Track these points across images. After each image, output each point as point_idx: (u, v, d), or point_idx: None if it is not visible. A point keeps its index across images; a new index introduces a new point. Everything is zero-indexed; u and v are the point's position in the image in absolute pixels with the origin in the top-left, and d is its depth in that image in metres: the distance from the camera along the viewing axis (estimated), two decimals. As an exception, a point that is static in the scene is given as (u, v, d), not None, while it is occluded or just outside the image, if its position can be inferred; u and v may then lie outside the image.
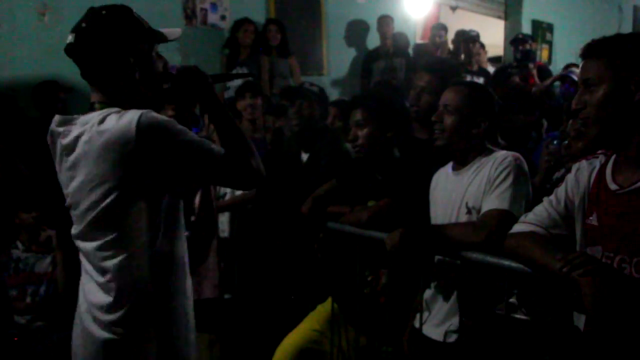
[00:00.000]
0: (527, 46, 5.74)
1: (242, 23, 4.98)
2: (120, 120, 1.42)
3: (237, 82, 3.80)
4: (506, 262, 1.70)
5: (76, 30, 1.50)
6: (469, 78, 5.29)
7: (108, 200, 1.44)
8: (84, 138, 1.46)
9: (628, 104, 1.38)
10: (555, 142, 2.41)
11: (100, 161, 1.43)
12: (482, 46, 6.03)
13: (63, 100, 3.93)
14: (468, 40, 5.77)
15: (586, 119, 1.44)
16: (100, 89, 1.53)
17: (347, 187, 2.49)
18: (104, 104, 1.51)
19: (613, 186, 1.45)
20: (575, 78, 4.30)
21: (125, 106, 1.49)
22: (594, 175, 1.52)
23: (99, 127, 1.43)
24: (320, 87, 3.43)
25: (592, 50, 1.44)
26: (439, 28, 6.16)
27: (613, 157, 1.49)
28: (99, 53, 1.49)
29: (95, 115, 1.47)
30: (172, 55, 4.18)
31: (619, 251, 1.40)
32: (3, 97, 3.66)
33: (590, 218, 1.49)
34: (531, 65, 5.43)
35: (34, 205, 3.14)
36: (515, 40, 5.94)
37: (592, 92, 1.42)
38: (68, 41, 1.50)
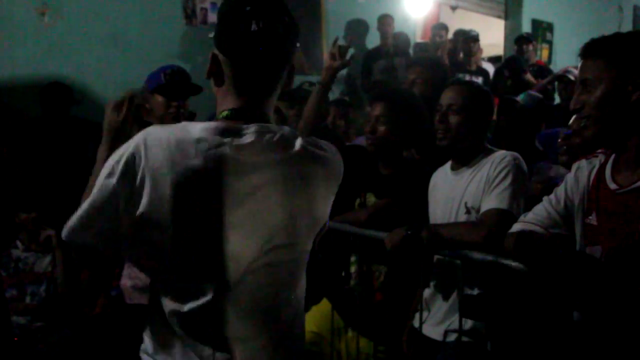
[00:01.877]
0: (523, 50, 5.68)
1: None
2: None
3: None
4: (506, 262, 1.70)
5: (280, 21, 1.29)
6: (467, 78, 5.28)
7: None
8: None
9: (626, 104, 1.38)
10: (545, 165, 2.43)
11: None
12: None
13: (67, 106, 3.92)
14: (469, 39, 5.76)
15: (584, 119, 1.44)
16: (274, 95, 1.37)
17: (349, 178, 2.47)
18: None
19: (612, 186, 1.45)
20: (573, 78, 4.29)
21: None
22: (593, 174, 1.52)
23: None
24: (320, 87, 3.40)
25: (591, 50, 1.44)
26: (439, 28, 6.14)
27: (612, 156, 1.49)
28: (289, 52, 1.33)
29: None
30: (172, 55, 4.19)
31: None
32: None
33: (590, 217, 1.49)
34: (525, 74, 5.27)
35: (34, 205, 3.14)
36: (519, 40, 5.93)
37: (590, 92, 1.42)
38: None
